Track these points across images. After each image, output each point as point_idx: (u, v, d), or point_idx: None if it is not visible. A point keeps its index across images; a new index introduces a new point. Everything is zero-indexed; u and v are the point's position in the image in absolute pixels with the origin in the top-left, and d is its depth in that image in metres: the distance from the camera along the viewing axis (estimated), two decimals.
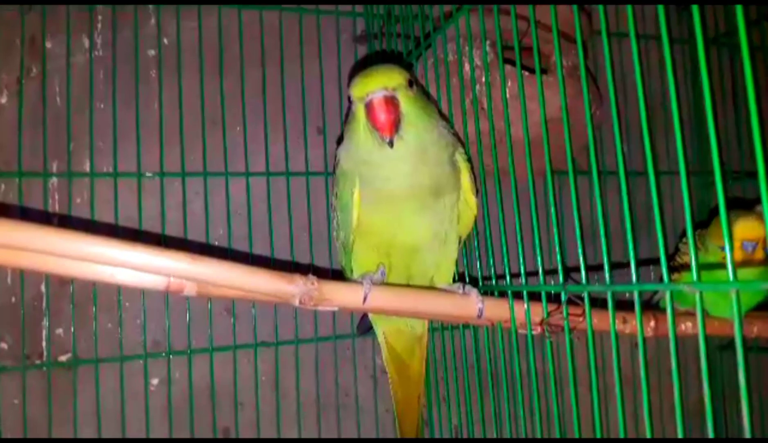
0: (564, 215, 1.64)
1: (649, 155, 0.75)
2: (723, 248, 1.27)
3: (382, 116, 0.94)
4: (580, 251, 0.88)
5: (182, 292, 0.89)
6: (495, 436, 1.22)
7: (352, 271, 1.12)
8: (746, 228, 1.27)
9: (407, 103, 0.96)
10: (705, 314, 0.70)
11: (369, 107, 0.95)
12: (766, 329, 1.31)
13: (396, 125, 0.95)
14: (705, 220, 1.88)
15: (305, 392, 1.56)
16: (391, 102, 0.94)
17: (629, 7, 0.83)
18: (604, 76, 1.65)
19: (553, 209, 0.94)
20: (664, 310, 1.26)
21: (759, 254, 1.29)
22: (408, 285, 1.06)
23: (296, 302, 0.92)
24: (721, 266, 1.30)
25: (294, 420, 1.53)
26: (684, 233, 1.57)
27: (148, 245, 0.82)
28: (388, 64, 1.01)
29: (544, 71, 1.33)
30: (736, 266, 1.21)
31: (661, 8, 0.78)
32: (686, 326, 1.24)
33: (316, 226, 1.59)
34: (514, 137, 1.09)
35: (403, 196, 1.01)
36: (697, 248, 0.72)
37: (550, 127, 0.98)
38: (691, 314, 1.24)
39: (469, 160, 1.08)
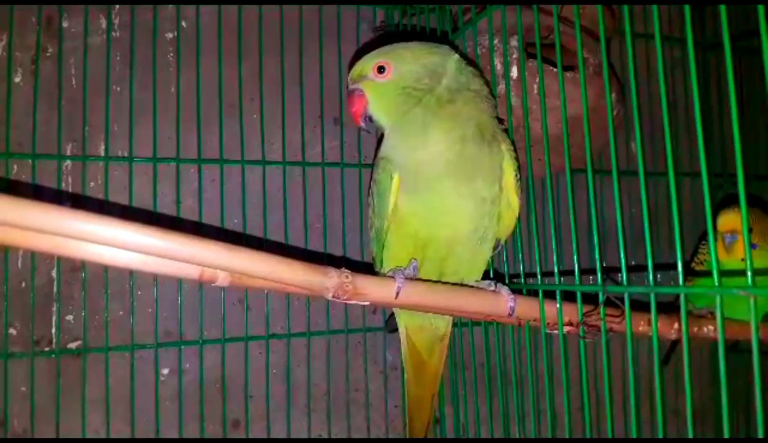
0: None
1: (669, 155, 0.74)
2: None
3: (349, 108, 1.08)
4: (621, 250, 0.87)
5: (215, 282, 0.86)
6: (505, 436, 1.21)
7: (382, 263, 1.10)
8: (725, 220, 1.29)
9: (371, 91, 1.03)
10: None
11: None
12: None
13: (360, 114, 1.05)
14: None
15: (316, 385, 1.54)
16: (353, 94, 1.05)
17: (654, 8, 0.82)
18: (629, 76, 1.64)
19: (593, 208, 0.92)
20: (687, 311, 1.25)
21: (738, 249, 1.28)
22: (438, 282, 1.04)
23: (329, 296, 0.90)
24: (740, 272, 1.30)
25: (304, 413, 1.52)
26: (704, 235, 1.56)
27: (182, 233, 0.80)
28: (370, 52, 1.06)
29: (571, 68, 1.31)
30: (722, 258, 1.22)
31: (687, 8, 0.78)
32: (708, 329, 1.23)
33: (331, 217, 1.57)
34: (541, 133, 1.08)
35: (429, 174, 0.99)
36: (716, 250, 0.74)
37: (581, 124, 0.97)
38: (712, 318, 1.23)
39: (517, 159, 1.06)
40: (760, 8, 0.66)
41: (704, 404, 1.76)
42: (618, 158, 0.90)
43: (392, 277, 0.95)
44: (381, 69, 1.01)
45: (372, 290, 0.93)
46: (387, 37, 1.67)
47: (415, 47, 1.04)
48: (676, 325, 1.13)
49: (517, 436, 1.37)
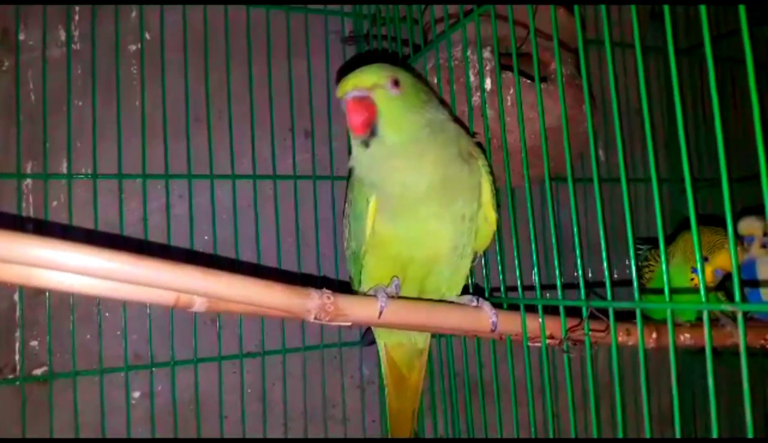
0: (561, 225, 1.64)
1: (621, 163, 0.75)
2: (694, 270, 1.30)
3: (353, 116, 0.95)
4: (605, 264, 0.87)
5: (191, 308, 0.83)
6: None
7: (360, 283, 1.08)
8: (725, 258, 1.28)
9: (385, 103, 0.95)
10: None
11: (345, 108, 0.96)
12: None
13: (368, 125, 0.95)
14: (675, 231, 1.91)
15: (292, 403, 1.51)
16: (362, 102, 0.94)
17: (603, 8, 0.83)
18: (596, 84, 1.66)
19: (574, 219, 0.91)
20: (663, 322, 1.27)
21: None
22: (420, 298, 1.03)
23: (311, 318, 0.88)
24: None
25: (281, 432, 1.49)
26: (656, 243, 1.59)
27: (158, 259, 0.76)
28: (372, 64, 1.00)
29: (543, 79, 1.31)
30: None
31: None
32: (684, 337, 1.25)
33: (304, 231, 1.55)
34: (516, 145, 1.08)
35: (412, 198, 0.96)
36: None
37: (553, 136, 0.97)
38: (687, 327, 1.25)
39: (492, 173, 1.05)
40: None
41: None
42: (591, 167, 0.89)
43: (374, 296, 0.93)
44: (396, 83, 0.96)
45: (354, 310, 0.91)
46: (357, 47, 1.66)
47: (405, 71, 1.02)
48: (654, 335, 1.14)
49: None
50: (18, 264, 0.70)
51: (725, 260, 1.28)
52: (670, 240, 1.44)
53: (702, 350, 1.51)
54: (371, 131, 0.94)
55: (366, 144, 0.95)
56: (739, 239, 1.49)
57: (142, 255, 0.74)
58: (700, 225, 0.75)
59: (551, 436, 1.01)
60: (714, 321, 1.29)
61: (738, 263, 0.72)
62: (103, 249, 0.73)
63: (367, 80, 0.95)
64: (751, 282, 1.40)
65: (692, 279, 1.36)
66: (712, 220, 1.34)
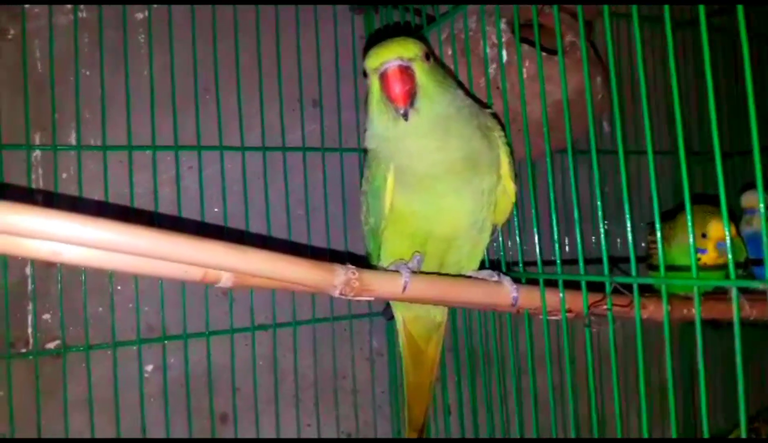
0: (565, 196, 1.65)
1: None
2: (700, 250, 1.29)
3: (397, 86, 0.90)
4: (630, 239, 0.87)
5: (218, 283, 0.83)
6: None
7: (379, 258, 1.07)
8: (722, 229, 1.28)
9: (423, 75, 0.92)
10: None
11: (383, 78, 0.91)
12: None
13: (411, 96, 0.91)
14: (676, 206, 1.90)
15: (303, 375, 1.52)
16: (406, 72, 0.90)
17: None
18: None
19: (598, 193, 0.91)
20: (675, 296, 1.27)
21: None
22: (440, 273, 1.03)
23: (336, 293, 0.88)
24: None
25: (292, 403, 1.50)
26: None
27: (186, 235, 0.76)
28: (404, 36, 0.96)
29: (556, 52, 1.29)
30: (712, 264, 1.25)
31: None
32: (688, 310, 1.25)
33: (313, 203, 1.54)
34: (532, 117, 1.07)
35: (434, 174, 0.96)
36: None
37: (562, 108, 0.96)
38: (690, 299, 1.26)
39: (510, 144, 1.04)
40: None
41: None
42: (599, 139, 0.89)
43: (397, 271, 0.93)
44: (428, 57, 0.93)
45: (378, 285, 0.91)
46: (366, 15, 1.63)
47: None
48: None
49: (500, 416, 1.40)
50: (49, 240, 0.69)
51: (721, 229, 1.27)
52: (671, 216, 1.43)
53: (710, 322, 1.54)
54: (411, 102, 0.90)
55: (405, 116, 0.90)
56: (742, 211, 1.49)
57: (160, 229, 0.73)
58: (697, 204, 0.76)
59: (571, 409, 1.03)
60: (722, 294, 1.29)
61: (730, 231, 0.74)
62: (132, 225, 0.72)
63: (411, 50, 0.91)
64: (760, 261, 1.40)
65: (699, 259, 1.35)
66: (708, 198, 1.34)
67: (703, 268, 1.27)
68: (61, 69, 1.32)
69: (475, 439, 1.39)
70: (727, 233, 0.76)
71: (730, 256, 0.75)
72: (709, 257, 1.27)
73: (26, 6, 1.32)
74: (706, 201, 1.33)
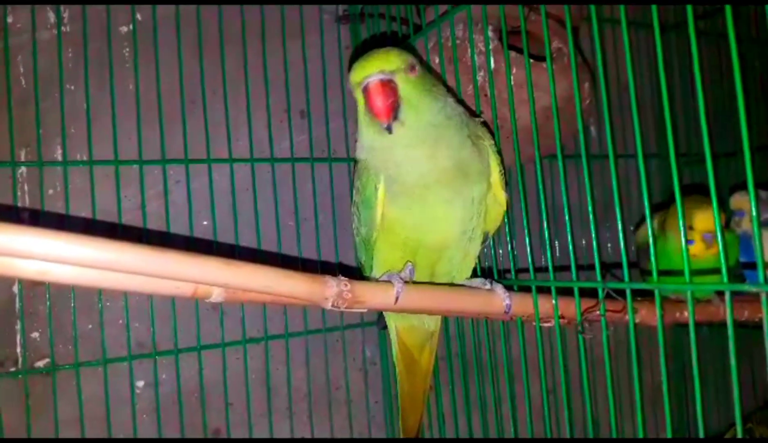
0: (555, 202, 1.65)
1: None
2: (689, 242, 1.29)
3: (378, 100, 0.90)
4: (622, 245, 0.87)
5: (209, 298, 0.82)
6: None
7: (371, 269, 1.07)
8: (706, 220, 1.27)
9: (407, 87, 0.92)
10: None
11: (365, 92, 0.91)
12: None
13: (394, 109, 0.90)
14: (666, 201, 1.92)
15: (296, 387, 1.51)
16: (388, 85, 0.90)
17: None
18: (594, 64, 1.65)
19: (589, 198, 0.91)
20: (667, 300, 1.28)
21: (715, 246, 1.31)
22: (432, 283, 1.02)
23: (328, 306, 0.87)
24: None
25: (285, 416, 1.48)
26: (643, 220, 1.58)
27: (176, 251, 0.75)
28: (387, 48, 0.96)
29: (545, 58, 1.30)
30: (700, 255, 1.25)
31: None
32: (681, 313, 1.26)
33: (303, 214, 1.53)
34: (520, 124, 1.08)
35: (424, 184, 0.95)
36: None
37: (549, 114, 0.97)
38: (682, 302, 1.26)
39: (500, 152, 1.04)
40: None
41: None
42: (588, 144, 0.89)
43: (389, 282, 0.93)
44: (413, 68, 0.93)
45: (371, 297, 0.91)
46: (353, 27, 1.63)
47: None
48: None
49: (494, 422, 1.39)
50: (39, 260, 0.68)
51: (705, 220, 1.28)
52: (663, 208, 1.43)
53: (700, 325, 1.54)
54: (395, 115, 0.90)
55: (389, 130, 0.90)
56: (731, 213, 1.50)
57: (149, 245, 0.72)
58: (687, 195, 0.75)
59: (566, 414, 1.02)
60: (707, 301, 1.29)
61: (721, 221, 0.74)
62: (122, 242, 0.72)
63: (392, 63, 0.91)
64: (750, 264, 1.41)
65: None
66: (699, 190, 1.34)
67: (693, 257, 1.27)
68: (45, 84, 1.31)
69: (470, 439, 1.39)
70: (717, 227, 0.75)
71: (721, 249, 0.74)
72: (697, 247, 1.27)
73: (9, 21, 1.31)
74: (696, 191, 1.34)
